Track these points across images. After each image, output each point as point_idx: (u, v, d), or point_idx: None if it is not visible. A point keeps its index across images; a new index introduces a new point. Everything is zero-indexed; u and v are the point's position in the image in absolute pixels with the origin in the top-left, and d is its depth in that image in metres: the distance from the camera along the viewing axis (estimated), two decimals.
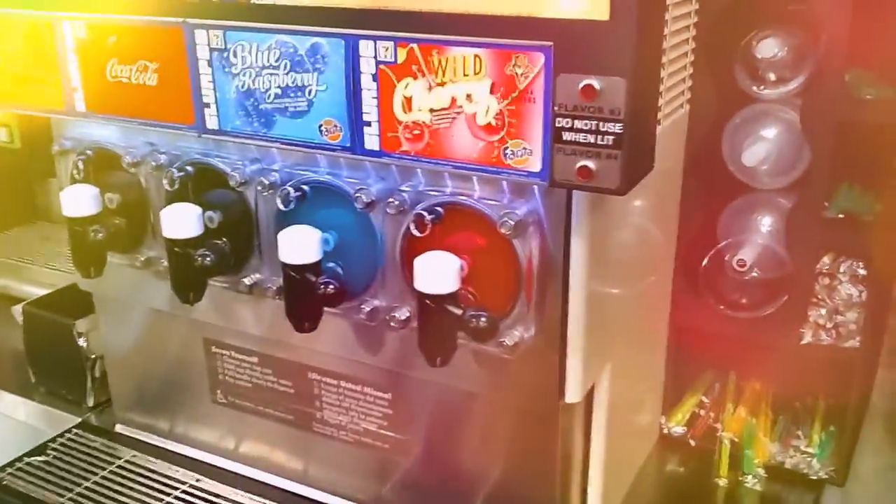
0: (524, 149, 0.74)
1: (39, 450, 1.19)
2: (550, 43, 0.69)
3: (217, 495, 1.10)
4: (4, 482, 1.12)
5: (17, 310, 1.34)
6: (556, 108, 0.71)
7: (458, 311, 0.82)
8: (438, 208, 0.85)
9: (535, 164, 0.74)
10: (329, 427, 1.06)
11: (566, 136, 0.71)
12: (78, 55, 0.92)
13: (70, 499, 1.09)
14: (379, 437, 1.03)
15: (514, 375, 0.89)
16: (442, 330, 0.84)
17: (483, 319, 0.81)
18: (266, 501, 1.08)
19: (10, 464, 1.16)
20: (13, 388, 1.36)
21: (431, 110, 0.77)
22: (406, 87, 0.77)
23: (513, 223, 0.80)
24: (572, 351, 0.86)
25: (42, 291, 1.50)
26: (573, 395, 0.88)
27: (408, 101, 0.77)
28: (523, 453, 0.96)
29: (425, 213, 0.85)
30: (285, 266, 0.88)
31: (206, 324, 1.09)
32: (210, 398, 1.14)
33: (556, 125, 0.71)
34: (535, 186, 0.81)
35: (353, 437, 1.05)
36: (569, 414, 0.93)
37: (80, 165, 1.04)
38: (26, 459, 1.17)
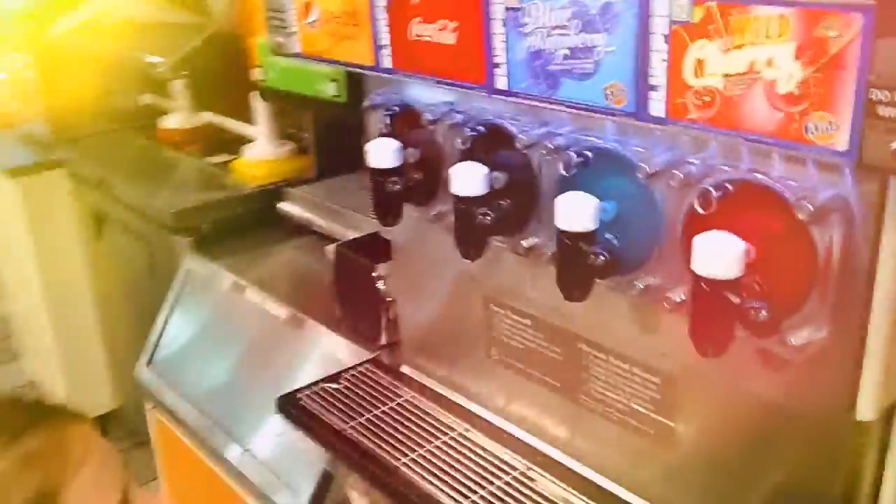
0: (829, 123, 0.64)
1: (334, 377, 1.30)
2: (871, 2, 0.58)
3: (482, 448, 1.13)
4: (301, 402, 1.25)
5: (330, 249, 1.47)
6: (872, 79, 0.60)
7: (736, 300, 0.75)
8: (727, 185, 0.78)
9: (841, 142, 0.64)
10: (594, 401, 1.03)
11: (883, 111, 0.61)
12: (387, 13, 0.97)
13: (352, 427, 1.18)
14: (644, 421, 0.98)
15: (798, 380, 0.80)
16: (716, 318, 0.77)
17: (763, 312, 0.73)
18: (524, 461, 1.09)
19: (308, 386, 1.28)
20: (323, 319, 1.51)
21: (725, 75, 0.69)
22: (700, 48, 0.71)
23: (811, 207, 0.71)
24: (871, 360, 0.75)
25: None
26: (867, 411, 0.77)
27: (700, 65, 0.71)
28: (802, 468, 0.86)
29: (711, 189, 0.78)
30: (560, 232, 0.87)
31: (486, 281, 1.11)
32: (485, 354, 1.17)
33: (871, 98, 0.61)
34: (847, 168, 0.71)
35: (617, 416, 1.01)
36: (861, 432, 0.81)
37: (387, 120, 1.11)
38: (322, 384, 1.29)
